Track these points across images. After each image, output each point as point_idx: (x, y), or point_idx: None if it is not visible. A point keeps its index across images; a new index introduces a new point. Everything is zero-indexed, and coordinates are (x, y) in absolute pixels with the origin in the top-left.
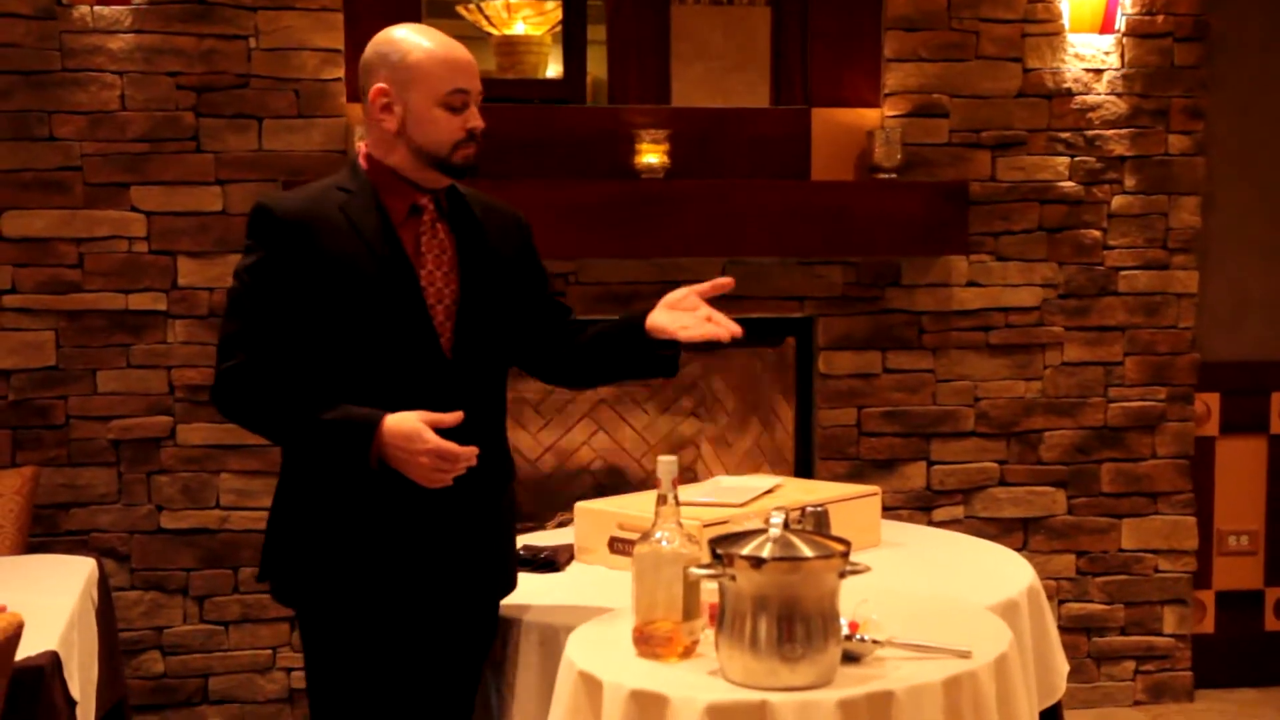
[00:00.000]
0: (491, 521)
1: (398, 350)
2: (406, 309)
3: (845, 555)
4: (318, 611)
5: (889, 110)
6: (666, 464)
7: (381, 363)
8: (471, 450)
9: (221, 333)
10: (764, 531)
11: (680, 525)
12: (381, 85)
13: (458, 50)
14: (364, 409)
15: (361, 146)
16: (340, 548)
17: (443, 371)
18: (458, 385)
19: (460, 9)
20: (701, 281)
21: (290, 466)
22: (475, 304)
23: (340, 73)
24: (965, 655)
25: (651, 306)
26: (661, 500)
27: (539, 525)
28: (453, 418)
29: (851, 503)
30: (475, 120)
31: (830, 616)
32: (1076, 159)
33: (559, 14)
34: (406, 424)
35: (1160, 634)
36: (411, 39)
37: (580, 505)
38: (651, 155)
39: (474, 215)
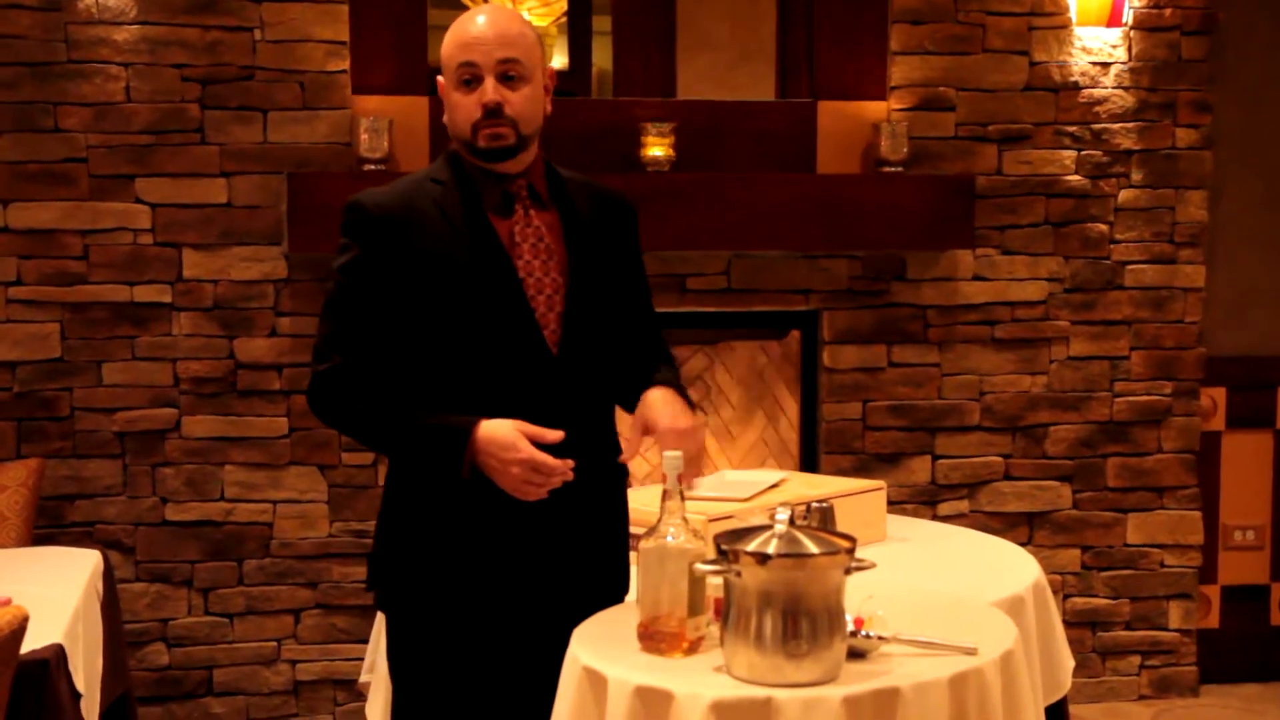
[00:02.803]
0: (605, 525)
1: (499, 347)
2: (505, 302)
3: (850, 551)
4: (421, 619)
5: (895, 103)
6: (672, 459)
7: (483, 361)
8: (567, 464)
9: (318, 334)
10: (769, 527)
11: (685, 521)
12: (439, 79)
13: (470, 25)
14: (461, 415)
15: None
16: (449, 555)
17: (548, 368)
18: (565, 383)
19: (465, 0)
20: (706, 275)
21: (396, 473)
22: (583, 296)
23: (345, 65)
24: (971, 652)
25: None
26: (667, 496)
27: None
28: (554, 435)
29: (857, 497)
30: (487, 94)
31: (835, 613)
32: (1083, 153)
33: (564, 4)
34: (501, 431)
35: (1165, 629)
36: (452, 28)
37: None
38: (657, 148)
39: (577, 201)
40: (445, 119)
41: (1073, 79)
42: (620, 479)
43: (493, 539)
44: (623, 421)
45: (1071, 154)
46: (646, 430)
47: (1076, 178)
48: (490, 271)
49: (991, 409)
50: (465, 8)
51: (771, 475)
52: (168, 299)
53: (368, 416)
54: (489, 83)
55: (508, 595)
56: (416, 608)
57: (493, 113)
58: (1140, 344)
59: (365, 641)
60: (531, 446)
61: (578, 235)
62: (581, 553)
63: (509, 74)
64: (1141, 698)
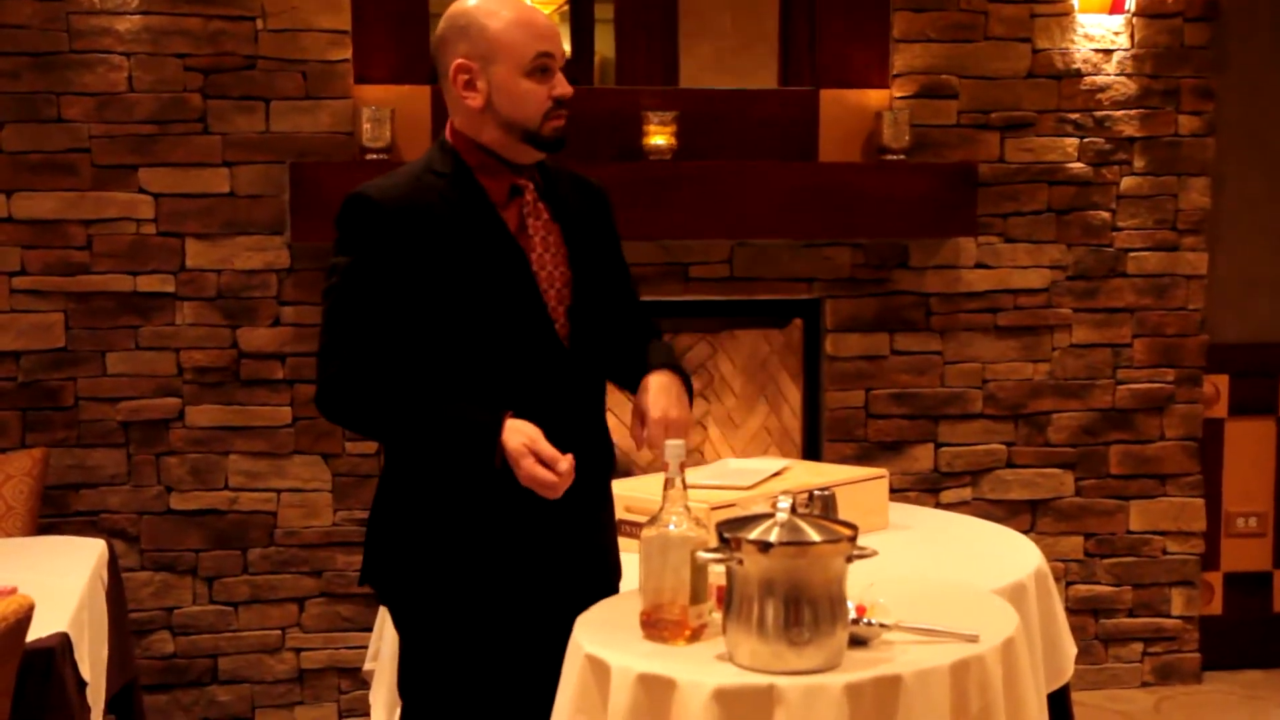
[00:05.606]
0: (597, 512)
1: (514, 341)
2: (520, 296)
3: (852, 539)
4: (422, 610)
5: (897, 91)
6: (674, 448)
7: (499, 356)
8: (568, 461)
9: (325, 335)
10: (771, 515)
11: (688, 509)
12: (461, 60)
13: (538, 14)
14: (486, 409)
15: (447, 127)
16: (447, 546)
17: (560, 362)
18: (575, 375)
19: None
20: (709, 264)
21: (394, 466)
22: (587, 288)
23: (348, 54)
24: (972, 639)
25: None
26: (669, 484)
27: None
28: (565, 461)
29: (859, 485)
30: (563, 87)
31: (837, 600)
32: (1085, 140)
33: None
34: (514, 440)
35: (1168, 616)
36: (488, 6)
37: None
38: (659, 137)
39: (566, 191)
40: (493, 104)
41: (1075, 66)
42: (609, 468)
43: (493, 531)
44: (619, 405)
45: (1074, 141)
46: (642, 419)
47: (1079, 165)
48: (507, 267)
49: (994, 397)
50: None
51: (774, 463)
52: (171, 289)
53: (386, 411)
54: (561, 76)
55: (509, 585)
56: (416, 600)
57: (564, 104)
58: (1143, 331)
59: (369, 630)
60: (538, 452)
61: (573, 227)
62: (578, 541)
63: (561, 68)
64: (1144, 684)
